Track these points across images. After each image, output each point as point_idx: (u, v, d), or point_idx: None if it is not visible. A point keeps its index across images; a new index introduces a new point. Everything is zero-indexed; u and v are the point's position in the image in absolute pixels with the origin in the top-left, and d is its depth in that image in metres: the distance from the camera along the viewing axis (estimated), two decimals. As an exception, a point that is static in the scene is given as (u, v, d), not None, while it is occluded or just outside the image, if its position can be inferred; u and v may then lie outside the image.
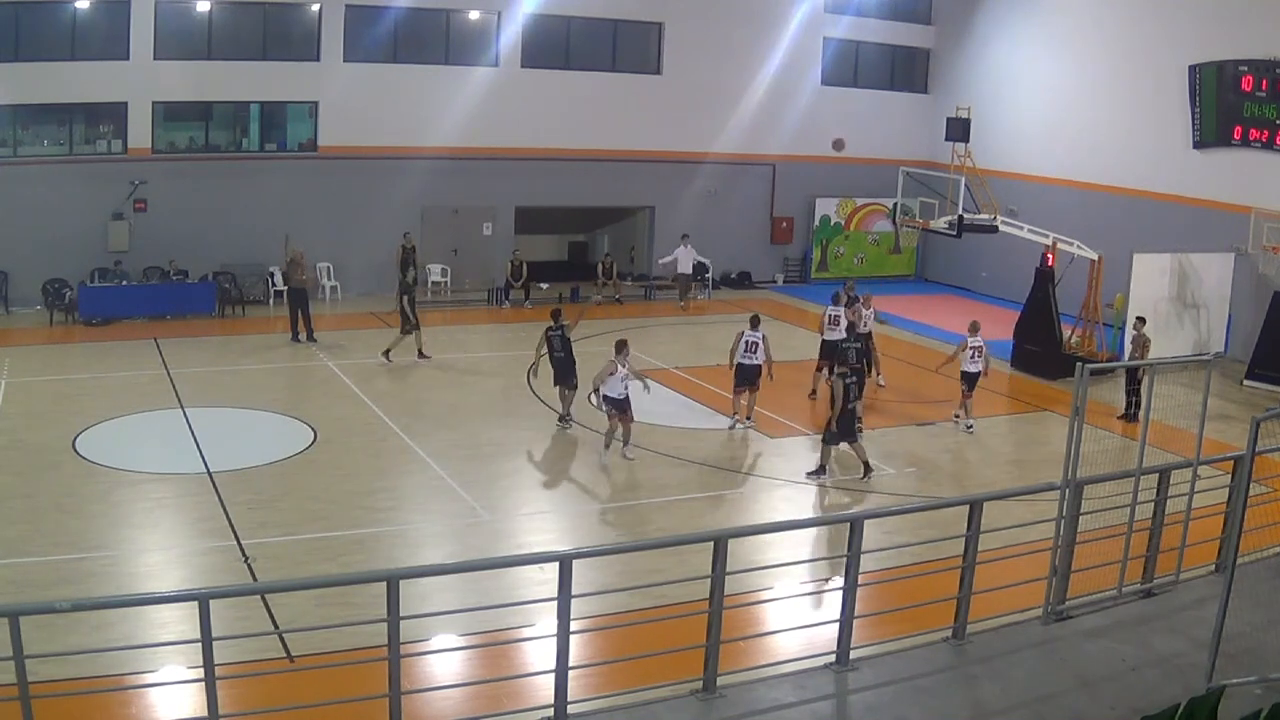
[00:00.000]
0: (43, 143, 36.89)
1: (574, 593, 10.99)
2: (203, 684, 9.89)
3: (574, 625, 11.14)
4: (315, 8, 38.20)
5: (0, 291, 35.64)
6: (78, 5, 35.60)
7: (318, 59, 38.33)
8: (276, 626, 15.30)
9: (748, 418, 26.10)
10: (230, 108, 38.93)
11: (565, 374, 25.38)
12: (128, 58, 35.97)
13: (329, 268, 38.69)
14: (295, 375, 29.06)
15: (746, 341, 25.73)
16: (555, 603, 10.90)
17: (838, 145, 44.58)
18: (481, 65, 40.27)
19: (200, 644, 9.88)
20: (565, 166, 40.96)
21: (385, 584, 10.50)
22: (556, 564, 11.03)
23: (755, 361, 25.68)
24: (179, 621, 14.36)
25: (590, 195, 42.50)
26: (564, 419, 25.36)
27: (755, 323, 26.15)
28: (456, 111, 39.28)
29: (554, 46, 41.47)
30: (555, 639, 10.97)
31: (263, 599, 15.78)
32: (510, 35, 40.45)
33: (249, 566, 17.62)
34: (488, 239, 41.34)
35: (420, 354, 30.66)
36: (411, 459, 23.03)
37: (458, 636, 15.33)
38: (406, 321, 30.72)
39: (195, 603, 10.00)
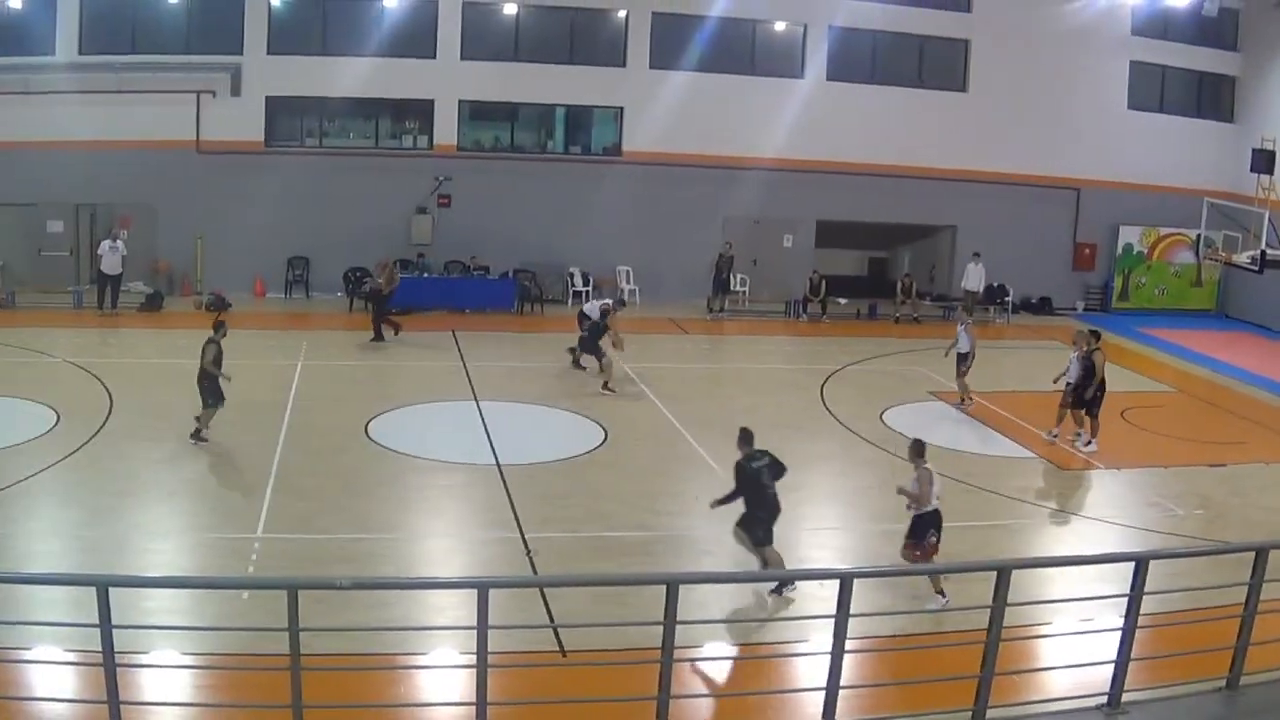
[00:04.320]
0: (349, 135, 38.19)
1: (852, 612, 10.81)
2: (473, 670, 9.83)
3: (848, 644, 10.96)
4: (622, 14, 38.54)
5: (303, 277, 37.01)
6: (386, 4, 36.73)
7: (624, 65, 38.64)
8: (552, 620, 15.12)
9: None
10: (536, 109, 39.70)
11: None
12: (435, 57, 36.97)
13: (628, 272, 38.88)
14: (590, 374, 29.05)
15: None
16: (832, 620, 10.77)
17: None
18: (786, 77, 39.92)
19: (475, 631, 9.98)
20: (867, 181, 40.17)
21: (665, 587, 10.49)
22: (836, 581, 10.92)
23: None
24: (455, 607, 14.31)
25: (891, 211, 41.56)
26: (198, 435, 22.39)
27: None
28: (760, 122, 39.01)
29: (860, 60, 40.85)
30: (829, 656, 10.83)
31: (541, 592, 15.70)
32: (816, 48, 40.01)
33: (530, 559, 17.51)
34: (788, 251, 40.95)
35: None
36: (699, 465, 22.67)
37: (730, 645, 15.10)
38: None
39: (474, 590, 10.10)
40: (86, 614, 10.11)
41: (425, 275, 36.33)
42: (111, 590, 9.94)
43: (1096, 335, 25.82)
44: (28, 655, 13.05)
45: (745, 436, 17.12)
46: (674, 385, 28.81)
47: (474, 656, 10.14)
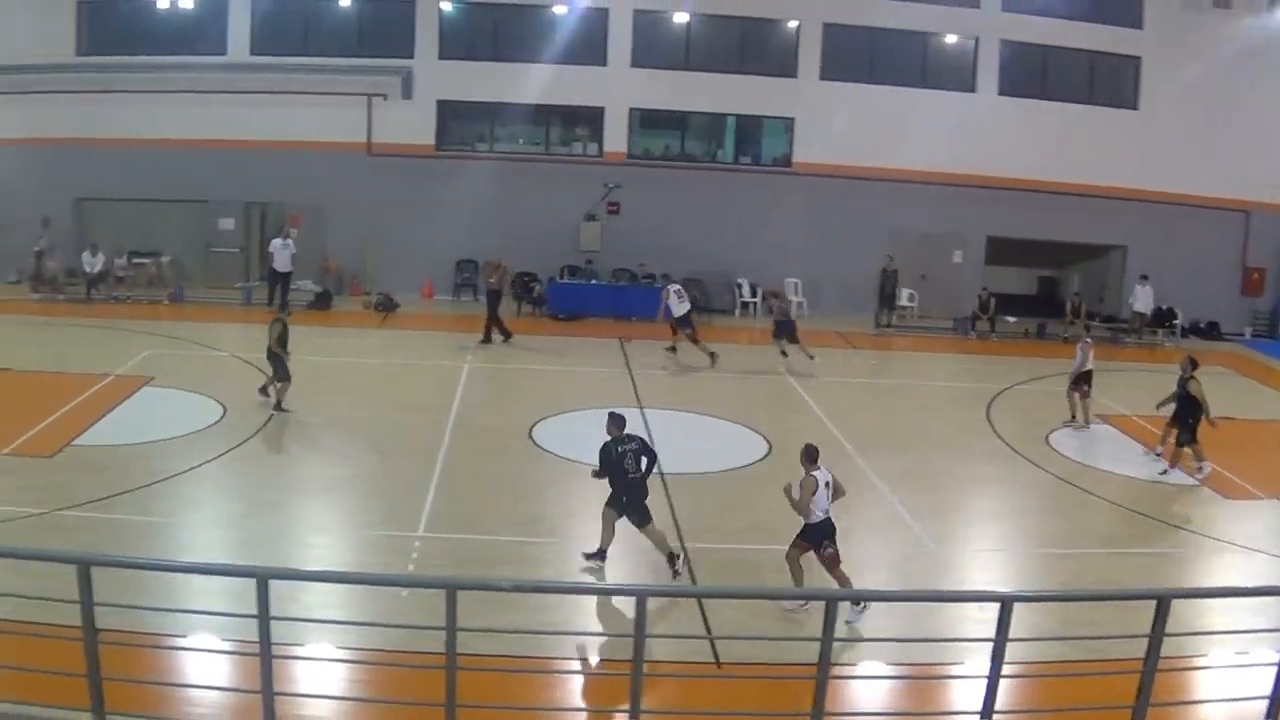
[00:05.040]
0: (519, 141, 38.66)
1: (1010, 636, 10.57)
2: (629, 677, 9.80)
3: (1005, 669, 10.73)
4: (793, 25, 38.36)
5: (471, 280, 37.52)
6: (556, 11, 37.05)
7: (795, 75, 38.46)
8: (709, 631, 14.95)
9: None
10: (706, 119, 39.81)
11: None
12: (605, 64, 37.24)
13: (797, 284, 38.61)
14: (754, 386, 28.93)
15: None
16: (990, 643, 10.56)
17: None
18: (957, 89, 39.41)
19: (633, 639, 9.93)
20: (1038, 198, 39.36)
21: (824, 604, 10.39)
22: (997, 604, 10.66)
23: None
24: (614, 615, 14.26)
25: (1062, 230, 40.57)
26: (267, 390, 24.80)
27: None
28: (930, 135, 38.43)
29: (1030, 75, 40.18)
30: (985, 679, 10.61)
31: (698, 602, 15.57)
32: (988, 61, 39.43)
33: (689, 569, 17.36)
34: (957, 266, 40.36)
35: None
36: (862, 481, 22.25)
37: (886, 664, 14.88)
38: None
39: (632, 598, 10.00)
40: (245, 604, 10.23)
41: (593, 282, 36.54)
42: (270, 582, 10.02)
43: (1194, 363, 24.71)
44: (185, 642, 13.33)
45: (617, 421, 17.49)
46: (838, 399, 28.48)
47: (630, 664, 10.06)
